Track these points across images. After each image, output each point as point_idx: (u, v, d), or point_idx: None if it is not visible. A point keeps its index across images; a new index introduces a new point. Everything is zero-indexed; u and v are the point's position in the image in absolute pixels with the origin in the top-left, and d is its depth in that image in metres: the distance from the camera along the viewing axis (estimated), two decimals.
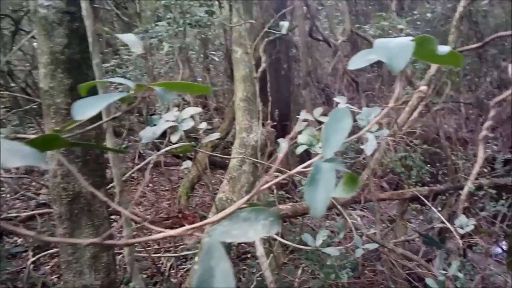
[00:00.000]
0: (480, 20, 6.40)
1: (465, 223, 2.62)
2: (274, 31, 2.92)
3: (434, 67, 3.45)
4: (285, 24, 2.61)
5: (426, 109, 4.05)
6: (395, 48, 0.58)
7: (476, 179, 3.48)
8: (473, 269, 3.56)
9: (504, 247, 4.71)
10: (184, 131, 1.82)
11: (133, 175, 5.19)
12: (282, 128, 5.27)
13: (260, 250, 2.59)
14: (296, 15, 4.64)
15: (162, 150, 1.64)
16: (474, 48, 4.26)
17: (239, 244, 4.29)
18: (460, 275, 2.48)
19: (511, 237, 3.74)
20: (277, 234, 3.88)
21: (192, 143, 2.32)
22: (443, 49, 0.59)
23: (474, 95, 6.62)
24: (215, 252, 0.49)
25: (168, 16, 4.18)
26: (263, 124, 3.46)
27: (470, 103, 6.82)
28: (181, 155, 5.27)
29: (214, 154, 3.75)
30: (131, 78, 4.75)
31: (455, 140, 4.83)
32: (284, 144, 1.97)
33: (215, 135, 2.37)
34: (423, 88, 3.34)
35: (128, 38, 0.64)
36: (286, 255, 4.04)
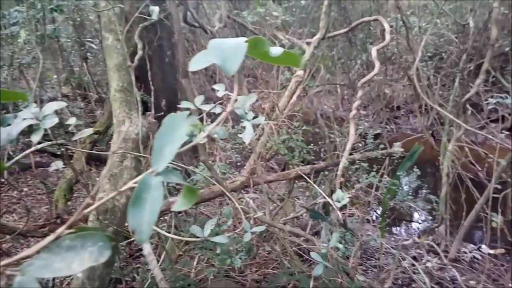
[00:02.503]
0: (348, 6, 6.93)
1: (341, 196, 2.84)
2: (147, 17, 2.76)
3: (308, 52, 3.63)
4: (155, 9, 2.48)
5: (304, 92, 4.27)
6: (228, 51, 0.55)
7: (351, 154, 3.79)
8: (353, 237, 3.92)
9: (379, 212, 5.28)
10: (60, 127, 1.63)
11: (2, 179, 4.60)
12: None
13: (147, 249, 2.48)
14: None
15: None
16: (343, 33, 4.59)
17: (132, 242, 4.12)
18: (340, 245, 2.69)
19: (383, 204, 4.18)
20: (170, 226, 3.80)
21: (62, 141, 2.11)
22: (275, 50, 0.58)
23: (348, 77, 7.20)
24: None
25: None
26: (144, 115, 3.29)
27: (344, 84, 7.41)
28: (58, 153, 4.81)
29: (88, 151, 3.48)
30: None
31: (333, 119, 5.20)
32: None
33: (88, 131, 2.18)
34: (300, 73, 3.50)
35: None
36: (181, 247, 3.97)
